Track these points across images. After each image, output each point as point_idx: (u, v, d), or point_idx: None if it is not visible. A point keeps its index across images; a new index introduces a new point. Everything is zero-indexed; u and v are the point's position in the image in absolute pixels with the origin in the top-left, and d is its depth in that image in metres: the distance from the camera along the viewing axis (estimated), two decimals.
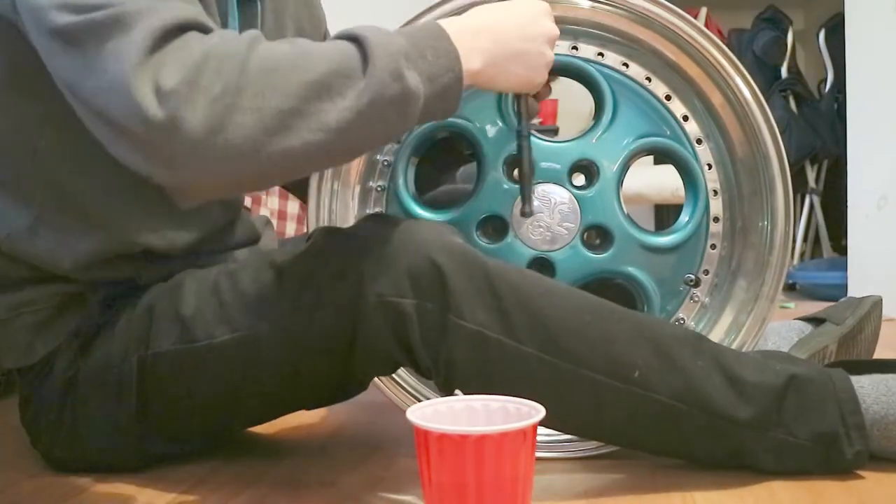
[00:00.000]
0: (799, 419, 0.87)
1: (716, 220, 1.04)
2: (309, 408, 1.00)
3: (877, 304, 1.15)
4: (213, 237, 1.00)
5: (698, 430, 0.86)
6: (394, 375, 1.01)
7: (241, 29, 1.00)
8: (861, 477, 0.88)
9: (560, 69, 1.04)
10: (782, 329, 1.16)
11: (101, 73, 0.70)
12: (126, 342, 0.90)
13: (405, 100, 0.77)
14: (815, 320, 1.17)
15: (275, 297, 0.86)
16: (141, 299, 0.93)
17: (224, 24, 0.97)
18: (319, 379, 0.90)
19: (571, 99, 3.23)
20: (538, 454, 0.81)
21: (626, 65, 1.03)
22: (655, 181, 2.67)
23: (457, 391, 0.88)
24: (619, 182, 1.02)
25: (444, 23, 0.83)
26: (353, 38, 0.77)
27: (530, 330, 0.84)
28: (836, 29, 3.05)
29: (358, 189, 1.04)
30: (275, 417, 1.01)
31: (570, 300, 0.87)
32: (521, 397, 0.83)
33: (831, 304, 1.21)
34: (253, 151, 0.71)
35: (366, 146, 0.82)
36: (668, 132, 1.04)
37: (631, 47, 1.03)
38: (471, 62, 0.83)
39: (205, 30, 0.73)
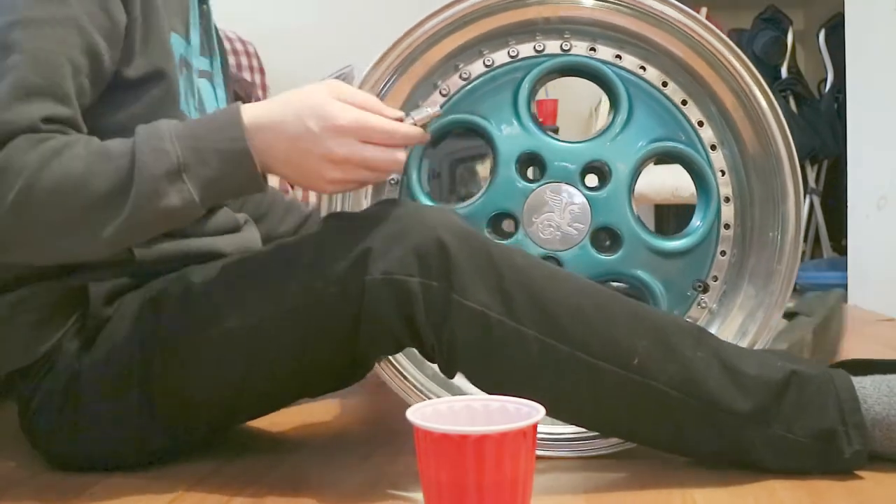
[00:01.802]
0: (798, 415, 0.87)
1: (727, 226, 1.04)
2: (314, 395, 1.00)
3: (840, 295, 1.26)
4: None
5: (696, 421, 0.86)
6: (401, 370, 1.01)
7: (201, 31, 1.03)
8: (862, 478, 0.88)
9: (577, 70, 1.04)
10: None
11: None
12: (131, 334, 0.91)
13: (167, 216, 0.83)
14: (788, 315, 1.21)
15: (283, 279, 0.87)
16: (146, 291, 0.93)
17: (187, 30, 0.99)
18: (325, 362, 0.90)
19: (571, 99, 3.24)
20: (538, 453, 0.81)
21: (643, 68, 1.03)
22: (655, 181, 2.67)
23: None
24: (631, 185, 1.02)
25: (244, 111, 0.85)
26: (131, 152, 0.82)
27: (531, 312, 0.84)
28: (836, 29, 3.05)
29: (371, 186, 1.04)
30: (279, 407, 1.01)
31: (571, 285, 0.88)
32: (520, 380, 0.84)
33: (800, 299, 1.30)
34: (44, 251, 0.84)
35: (143, 239, 0.90)
36: (683, 137, 1.03)
37: (648, 50, 1.03)
38: (262, 156, 0.84)
39: (31, 133, 0.81)
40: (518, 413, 0.75)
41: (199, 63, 1.04)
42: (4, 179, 0.79)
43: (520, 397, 0.85)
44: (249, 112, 0.85)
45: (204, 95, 1.02)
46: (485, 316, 0.84)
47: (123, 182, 0.81)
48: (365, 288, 0.84)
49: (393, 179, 1.04)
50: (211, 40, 1.07)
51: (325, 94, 0.85)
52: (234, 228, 1.10)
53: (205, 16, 1.06)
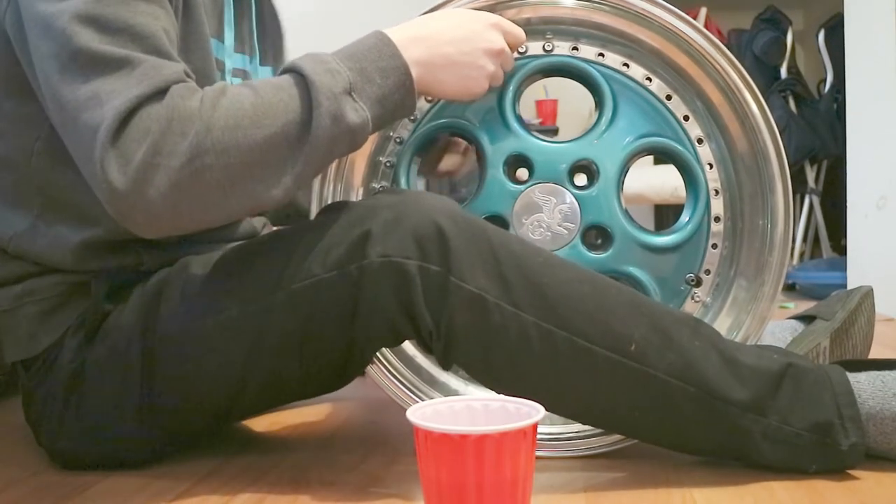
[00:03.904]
0: (795, 407, 0.87)
1: (717, 219, 1.04)
2: (312, 392, 1.00)
3: (867, 294, 1.14)
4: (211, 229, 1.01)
5: (693, 410, 0.86)
6: (394, 371, 1.01)
7: (237, 33, 1.01)
8: (861, 477, 0.88)
9: (560, 70, 1.04)
10: (776, 329, 1.17)
11: (77, 138, 0.78)
12: (132, 327, 0.91)
13: (350, 135, 0.84)
14: (807, 318, 1.17)
15: (282, 266, 0.87)
16: (146, 284, 0.93)
17: (220, 29, 0.98)
18: (324, 351, 0.90)
19: (571, 99, 3.24)
20: (538, 453, 0.81)
21: (626, 65, 1.03)
22: (655, 181, 2.68)
23: (457, 387, 0.87)
24: (620, 182, 1.02)
25: (389, 33, 0.88)
26: (300, 79, 0.82)
27: (529, 296, 0.85)
28: (835, 29, 3.05)
29: (361, 191, 1.05)
30: (279, 403, 1.01)
31: (568, 271, 0.88)
32: (518, 366, 0.85)
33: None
34: (220, 204, 0.79)
35: (320, 172, 0.90)
36: (669, 132, 1.04)
37: (631, 48, 1.03)
38: (411, 71, 0.88)
39: (184, 82, 0.79)
40: (518, 413, 0.75)
41: (234, 62, 1.04)
42: (176, 128, 0.76)
43: (517, 385, 0.85)
44: (393, 33, 0.88)
45: None
46: (483, 299, 0.84)
47: (304, 106, 0.80)
48: (363, 271, 0.84)
49: (382, 187, 1.04)
50: (251, 37, 1.06)
51: (455, 8, 0.97)
52: (252, 235, 1.10)
53: (245, 12, 1.05)
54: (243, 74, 1.04)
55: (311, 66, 0.82)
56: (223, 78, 1.00)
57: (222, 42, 1.00)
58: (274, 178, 0.80)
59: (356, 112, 0.83)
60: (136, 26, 0.79)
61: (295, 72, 0.83)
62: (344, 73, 0.83)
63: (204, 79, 0.91)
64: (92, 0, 0.78)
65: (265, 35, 1.10)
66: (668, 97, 1.03)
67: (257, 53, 1.06)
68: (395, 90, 0.87)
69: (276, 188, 0.81)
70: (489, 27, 0.94)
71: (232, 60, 1.03)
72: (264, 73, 1.08)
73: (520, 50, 1.02)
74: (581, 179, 1.03)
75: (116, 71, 0.77)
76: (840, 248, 3.25)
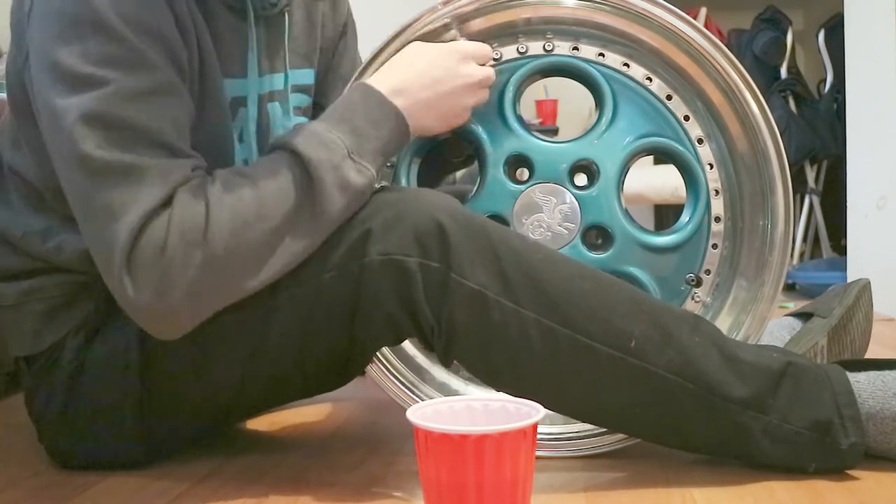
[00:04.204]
0: (794, 405, 0.87)
1: (717, 219, 1.04)
2: (313, 391, 1.00)
3: (864, 287, 1.13)
4: None
5: (693, 407, 0.86)
6: (394, 371, 1.01)
7: (264, 54, 1.00)
8: (860, 477, 0.88)
9: (560, 69, 1.04)
10: (774, 328, 1.16)
11: (92, 244, 0.82)
12: (132, 328, 0.90)
13: (360, 195, 0.86)
14: (804, 315, 1.17)
15: None
16: None
17: (241, 62, 0.98)
18: (324, 350, 0.90)
19: (571, 99, 3.24)
20: (538, 453, 0.81)
21: (626, 65, 1.03)
22: (655, 181, 2.68)
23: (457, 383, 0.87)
24: (620, 182, 1.02)
25: (373, 84, 0.90)
26: (294, 158, 0.83)
27: (529, 293, 0.85)
28: (835, 29, 3.05)
29: None
30: (279, 403, 1.01)
31: (569, 267, 0.88)
32: (518, 363, 0.85)
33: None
34: (243, 288, 0.83)
35: (336, 226, 0.88)
36: (670, 132, 1.04)
37: (632, 47, 1.03)
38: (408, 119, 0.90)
39: (189, 183, 0.81)
40: (518, 413, 0.75)
41: (262, 87, 1.01)
42: (188, 238, 0.79)
43: (518, 382, 0.86)
44: (375, 82, 0.91)
45: (272, 120, 1.02)
46: (483, 296, 0.84)
47: (305, 187, 0.83)
48: (364, 269, 0.85)
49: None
50: (279, 50, 1.03)
51: (424, 45, 0.96)
52: None
53: (272, 30, 1.01)
54: (270, 96, 1.02)
55: (303, 143, 0.84)
56: (248, 112, 0.99)
57: (245, 77, 0.98)
58: (291, 251, 0.84)
59: (360, 173, 0.85)
60: (140, 125, 0.80)
61: (286, 149, 0.84)
62: (338, 141, 0.85)
63: (220, 138, 0.93)
64: (101, 98, 0.79)
65: (291, 40, 1.07)
66: (669, 97, 1.03)
67: (285, 68, 1.03)
68: (391, 136, 0.89)
69: (299, 255, 0.84)
70: (461, 61, 0.95)
71: (259, 86, 1.00)
72: (297, 77, 1.06)
73: (520, 49, 1.02)
74: (581, 179, 1.03)
75: (124, 180, 0.79)
76: (840, 248, 3.24)
